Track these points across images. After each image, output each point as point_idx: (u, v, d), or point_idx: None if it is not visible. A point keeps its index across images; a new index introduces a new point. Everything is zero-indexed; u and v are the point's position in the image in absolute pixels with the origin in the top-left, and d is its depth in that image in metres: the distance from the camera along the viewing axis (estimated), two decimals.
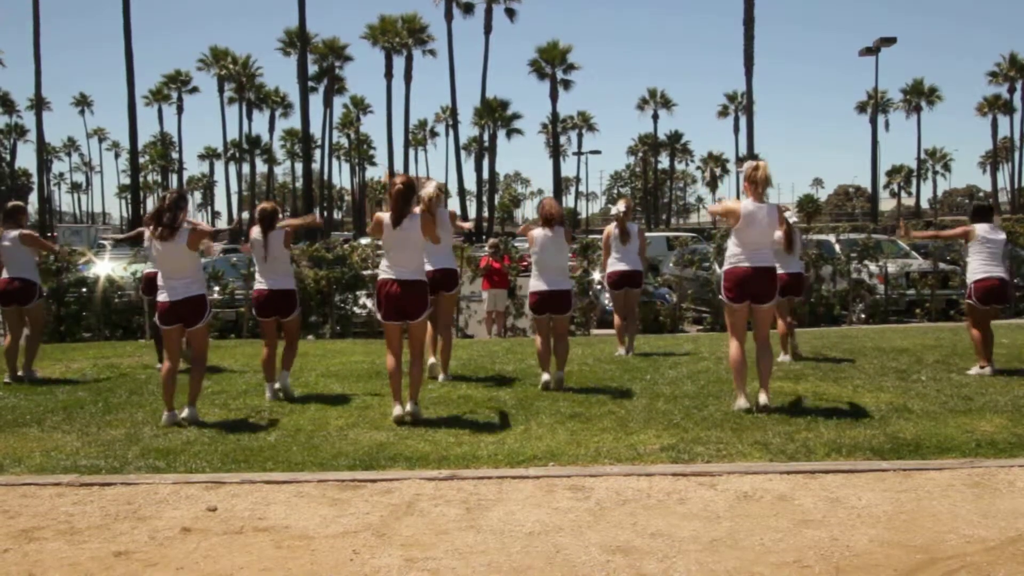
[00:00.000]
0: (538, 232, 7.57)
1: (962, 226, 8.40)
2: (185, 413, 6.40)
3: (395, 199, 6.32)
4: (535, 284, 7.63)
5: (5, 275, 8.40)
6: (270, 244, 7.22)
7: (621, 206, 9.63)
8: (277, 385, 7.32)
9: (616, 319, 9.69)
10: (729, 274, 6.53)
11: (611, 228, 9.64)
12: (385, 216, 6.38)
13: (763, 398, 6.35)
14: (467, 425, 6.13)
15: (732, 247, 6.58)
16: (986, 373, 7.79)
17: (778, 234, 7.73)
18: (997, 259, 8.09)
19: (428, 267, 7.26)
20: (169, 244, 6.40)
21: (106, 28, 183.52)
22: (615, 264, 9.54)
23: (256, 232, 7.31)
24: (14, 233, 8.44)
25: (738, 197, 6.96)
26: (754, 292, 6.46)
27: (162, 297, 6.49)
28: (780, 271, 7.75)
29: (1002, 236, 8.34)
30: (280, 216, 7.52)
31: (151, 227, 6.48)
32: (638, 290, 9.90)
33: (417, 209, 6.51)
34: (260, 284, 7.37)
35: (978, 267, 8.02)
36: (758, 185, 6.51)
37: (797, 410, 6.38)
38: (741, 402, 6.39)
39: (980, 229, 8.05)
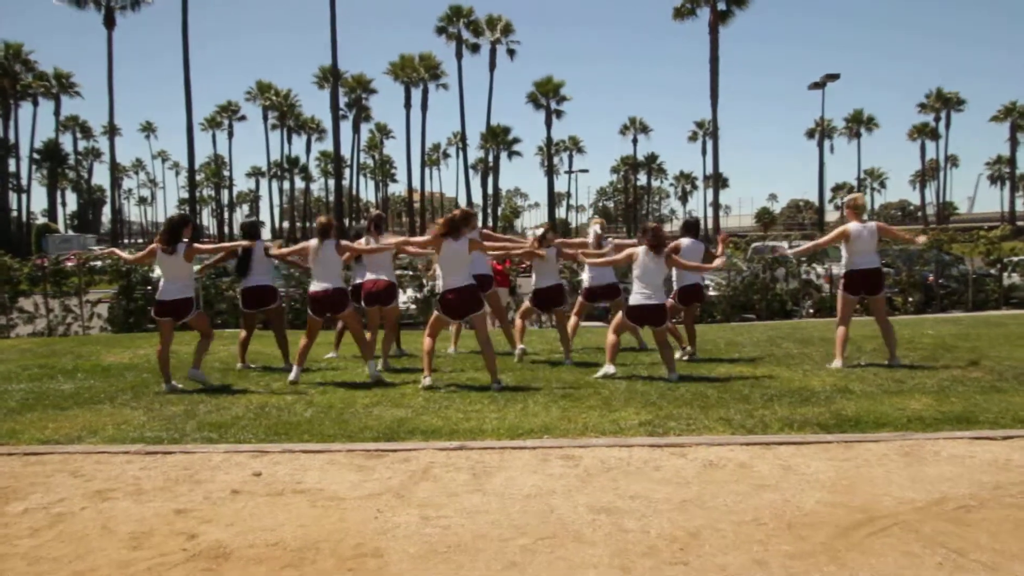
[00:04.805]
0: (641, 252, 6.95)
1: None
2: (179, 381, 6.85)
3: (452, 222, 6.74)
4: (635, 299, 6.98)
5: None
6: (323, 251, 7.12)
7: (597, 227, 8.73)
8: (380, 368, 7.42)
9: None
10: (847, 275, 7.50)
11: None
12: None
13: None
14: (474, 403, 6.11)
15: (847, 256, 7.48)
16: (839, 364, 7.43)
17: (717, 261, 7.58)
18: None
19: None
20: (170, 257, 6.78)
21: (167, 64, 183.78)
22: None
23: (314, 242, 7.18)
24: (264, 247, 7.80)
25: (842, 220, 7.48)
26: (867, 286, 7.46)
27: (160, 296, 6.86)
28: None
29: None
30: (333, 228, 7.30)
31: (159, 242, 6.85)
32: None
33: (468, 234, 6.84)
34: (315, 286, 7.19)
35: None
36: (858, 211, 7.48)
37: (755, 390, 6.38)
38: (837, 362, 7.41)
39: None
